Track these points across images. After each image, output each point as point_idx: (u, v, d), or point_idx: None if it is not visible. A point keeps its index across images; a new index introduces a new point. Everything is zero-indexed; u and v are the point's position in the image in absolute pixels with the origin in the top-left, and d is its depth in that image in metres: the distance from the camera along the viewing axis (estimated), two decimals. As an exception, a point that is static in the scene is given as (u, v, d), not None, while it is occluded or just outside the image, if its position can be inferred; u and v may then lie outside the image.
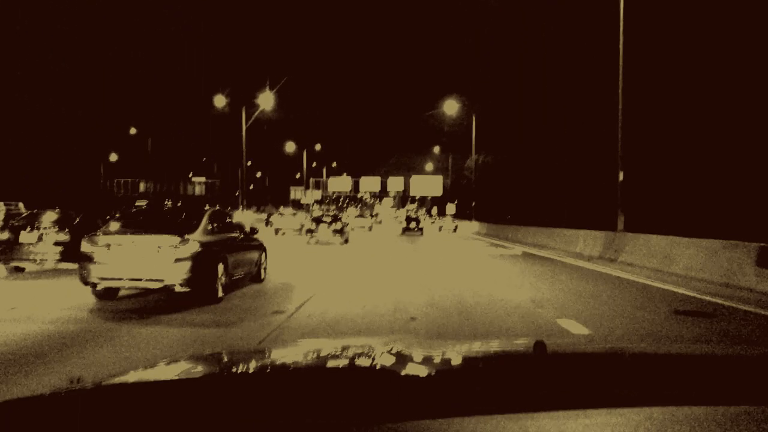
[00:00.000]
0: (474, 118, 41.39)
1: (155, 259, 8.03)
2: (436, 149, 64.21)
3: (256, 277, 11.29)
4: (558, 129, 34.25)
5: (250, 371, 1.60)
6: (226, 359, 1.92)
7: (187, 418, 1.10)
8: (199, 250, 8.29)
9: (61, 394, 1.22)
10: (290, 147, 64.58)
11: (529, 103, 38.06)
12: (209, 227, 8.98)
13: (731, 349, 2.38)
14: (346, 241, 27.56)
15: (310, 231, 27.64)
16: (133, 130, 51.08)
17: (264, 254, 11.77)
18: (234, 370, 1.69)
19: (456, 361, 1.71)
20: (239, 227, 10.69)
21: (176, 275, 8.05)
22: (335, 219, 28.29)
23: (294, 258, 18.93)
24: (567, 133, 33.21)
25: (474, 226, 46.29)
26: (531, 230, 29.45)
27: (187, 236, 8.26)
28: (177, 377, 1.54)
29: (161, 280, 8.02)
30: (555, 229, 25.44)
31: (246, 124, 34.75)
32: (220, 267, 8.91)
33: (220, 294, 8.91)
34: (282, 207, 38.59)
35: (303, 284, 11.77)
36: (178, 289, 8.14)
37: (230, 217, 10.69)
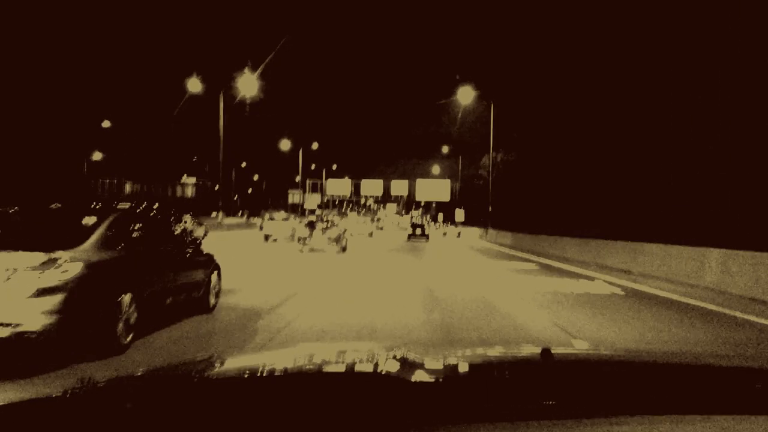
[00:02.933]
0: (492, 107, 37.46)
1: (3, 291, 5.03)
2: (445, 149, 60.95)
3: (201, 305, 8.28)
4: (608, 115, 27.49)
5: (258, 374, 1.58)
6: (235, 361, 1.95)
7: (191, 420, 1.10)
8: (82, 273, 5.28)
9: (70, 394, 1.25)
10: (287, 146, 61.53)
11: (562, 88, 32.33)
12: (110, 239, 5.95)
13: (743, 360, 2.29)
14: (344, 249, 24.68)
15: (302, 238, 24.68)
16: (106, 123, 48.04)
17: (216, 273, 8.77)
18: (242, 373, 1.63)
19: (463, 367, 1.66)
20: (175, 239, 7.69)
21: (38, 315, 5.04)
22: (331, 224, 25.30)
23: (278, 271, 15.99)
24: (621, 121, 26.40)
25: (492, 235, 40.07)
26: (592, 244, 20.83)
27: (61, 253, 5.25)
28: (182, 379, 1.53)
29: (13, 324, 5.01)
30: (645, 245, 16.62)
31: (223, 112, 31.93)
32: (126, 299, 5.89)
33: (126, 340, 5.90)
34: (274, 211, 35.57)
35: (275, 311, 8.96)
36: (44, 336, 5.12)
37: (160, 223, 7.60)
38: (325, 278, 14.26)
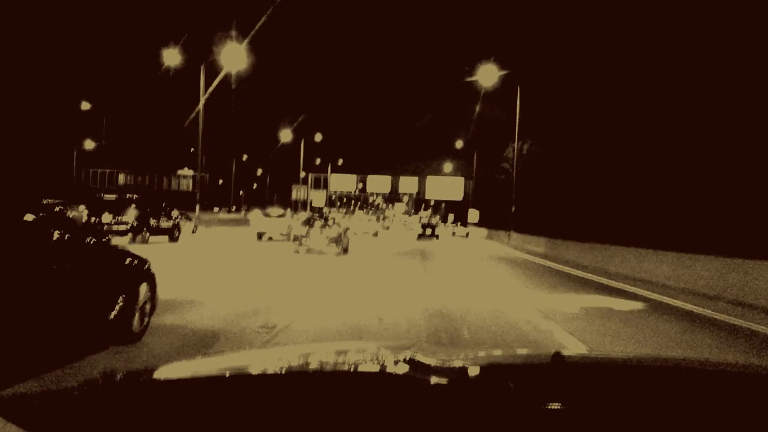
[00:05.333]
0: (518, 90, 33.90)
1: None
2: (459, 144, 57.97)
3: (119, 331, 5.86)
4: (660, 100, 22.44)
5: (266, 373, 1.58)
6: (252, 358, 1.97)
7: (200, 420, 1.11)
8: None
9: (94, 386, 1.28)
10: (291, 138, 59.00)
11: (600, 68, 27.55)
12: None
13: (755, 367, 2.20)
14: (345, 250, 22.31)
15: (298, 237, 22.29)
16: (86, 105, 45.43)
17: (147, 284, 6.37)
18: (261, 370, 1.64)
19: (474, 370, 1.67)
20: (62, 240, 5.22)
21: None
22: (332, 222, 22.87)
23: (261, 276, 13.63)
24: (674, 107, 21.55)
25: (516, 240, 34.17)
26: (727, 265, 13.30)
27: None
28: (195, 375, 1.54)
29: None
30: None
31: (205, 90, 29.58)
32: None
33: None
34: (271, 207, 33.24)
35: (235, 337, 6.79)
36: None
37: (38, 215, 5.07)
38: (316, 288, 11.85)
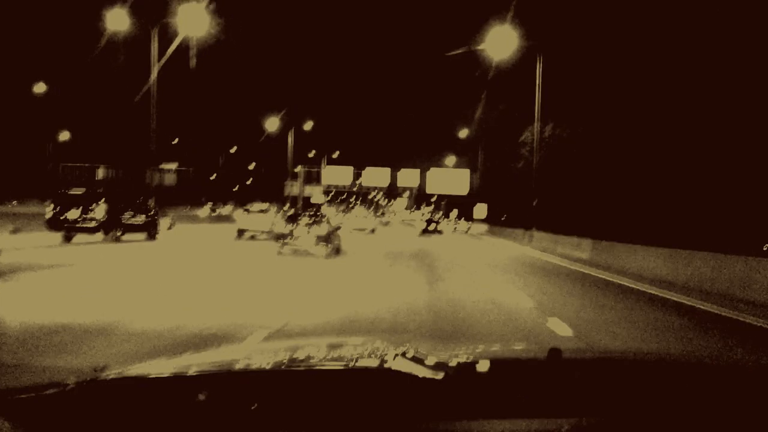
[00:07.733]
0: (540, 60, 30.03)
1: None
2: (463, 133, 54.94)
3: None
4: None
5: (279, 367, 1.59)
6: (250, 354, 1.97)
7: (200, 410, 1.15)
8: None
9: (86, 383, 1.29)
10: (282, 128, 56.54)
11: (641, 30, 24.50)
12: None
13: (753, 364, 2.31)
14: (336, 251, 20.02)
15: (282, 235, 19.98)
16: (41, 87, 42.49)
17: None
18: (259, 365, 1.65)
19: (473, 365, 1.70)
20: None
21: None
22: (319, 218, 20.51)
23: (228, 287, 11.25)
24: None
25: (542, 240, 28.38)
26: None
27: None
28: (195, 372, 1.55)
29: None
30: None
31: (157, 57, 27.14)
32: None
33: None
34: (256, 203, 31.02)
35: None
36: None
37: None
38: (295, 303, 9.46)
